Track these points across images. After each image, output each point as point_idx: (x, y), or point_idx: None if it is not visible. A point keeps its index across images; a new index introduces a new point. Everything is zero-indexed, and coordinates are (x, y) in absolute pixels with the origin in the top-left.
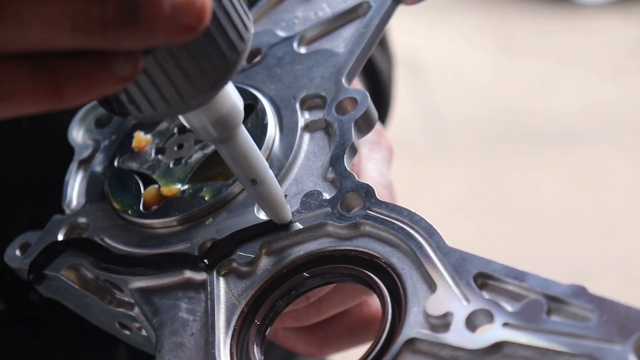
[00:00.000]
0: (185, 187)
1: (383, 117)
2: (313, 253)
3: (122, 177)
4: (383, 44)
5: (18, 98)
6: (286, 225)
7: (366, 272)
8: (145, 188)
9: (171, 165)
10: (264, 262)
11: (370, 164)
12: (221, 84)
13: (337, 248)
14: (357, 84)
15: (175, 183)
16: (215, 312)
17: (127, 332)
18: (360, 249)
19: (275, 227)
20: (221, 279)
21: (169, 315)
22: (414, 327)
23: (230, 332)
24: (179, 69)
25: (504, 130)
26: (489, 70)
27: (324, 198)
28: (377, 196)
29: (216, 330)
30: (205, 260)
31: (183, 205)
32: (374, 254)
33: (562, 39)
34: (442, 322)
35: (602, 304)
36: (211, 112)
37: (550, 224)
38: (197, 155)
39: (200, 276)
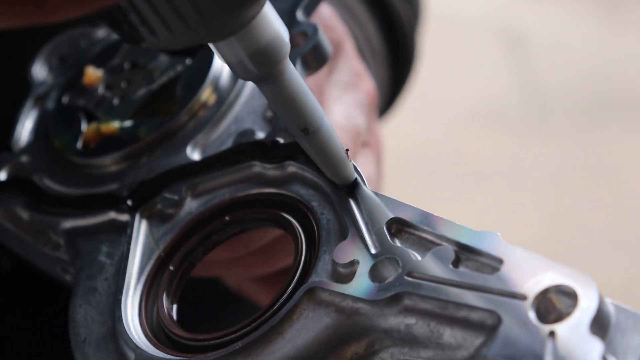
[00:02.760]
0: (125, 124)
1: (405, 70)
2: (237, 197)
3: (67, 115)
4: None
5: None
6: (351, 186)
7: (285, 215)
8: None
9: (115, 102)
10: (189, 205)
11: (337, 106)
12: (252, 3)
13: (262, 191)
14: (336, 22)
15: (116, 120)
16: (130, 257)
17: (67, 278)
18: (284, 192)
19: (205, 168)
20: (144, 222)
21: (89, 259)
22: (320, 275)
23: (143, 278)
24: None
25: (607, 103)
26: (592, 42)
27: (256, 137)
28: None
29: (127, 276)
30: (129, 201)
31: (118, 144)
32: (296, 197)
33: None
34: (349, 271)
35: (510, 255)
36: (247, 42)
37: None
38: (141, 92)
39: (124, 218)
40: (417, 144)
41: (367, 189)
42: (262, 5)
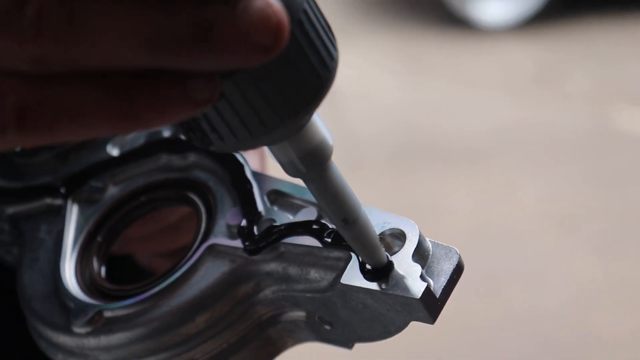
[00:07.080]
0: None
1: None
2: (149, 181)
3: None
4: None
5: (93, 119)
6: (385, 269)
7: (188, 194)
8: None
9: None
10: (111, 191)
11: None
12: (305, 112)
13: (169, 177)
14: None
15: None
16: (65, 231)
17: (8, 258)
18: (185, 177)
19: (123, 162)
20: (75, 205)
21: (31, 236)
22: (217, 235)
23: (77, 248)
24: (260, 94)
25: (416, 149)
26: (399, 92)
27: (163, 135)
28: None
29: (63, 246)
30: (63, 189)
31: (51, 145)
32: (196, 179)
33: (468, 62)
34: (239, 231)
35: None
36: (299, 145)
37: (461, 236)
38: None
39: (58, 202)
40: None
41: (251, 169)
42: (313, 113)
